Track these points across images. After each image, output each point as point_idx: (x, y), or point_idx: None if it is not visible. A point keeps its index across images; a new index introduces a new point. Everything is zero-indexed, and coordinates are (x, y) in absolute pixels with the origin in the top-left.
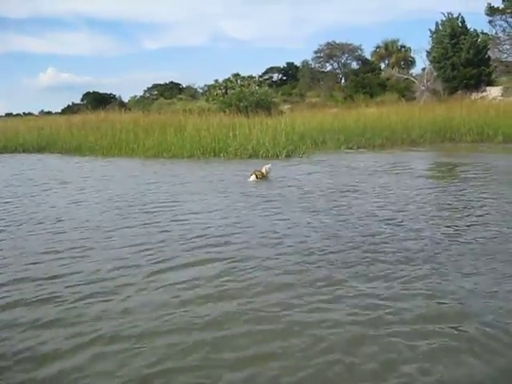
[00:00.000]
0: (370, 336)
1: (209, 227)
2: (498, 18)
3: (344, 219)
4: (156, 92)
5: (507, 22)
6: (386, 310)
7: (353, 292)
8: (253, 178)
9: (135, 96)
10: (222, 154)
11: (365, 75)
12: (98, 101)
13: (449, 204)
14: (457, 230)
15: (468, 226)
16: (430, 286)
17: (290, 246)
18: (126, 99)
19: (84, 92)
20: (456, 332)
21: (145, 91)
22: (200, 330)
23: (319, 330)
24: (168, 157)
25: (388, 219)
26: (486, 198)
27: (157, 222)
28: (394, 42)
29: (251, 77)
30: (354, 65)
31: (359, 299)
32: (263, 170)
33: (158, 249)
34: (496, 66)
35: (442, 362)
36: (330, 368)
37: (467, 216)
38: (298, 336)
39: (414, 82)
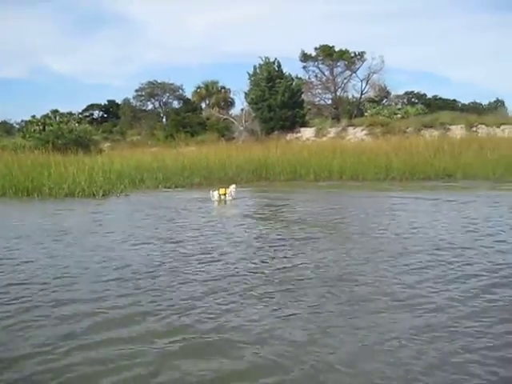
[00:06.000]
0: None
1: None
2: (310, 64)
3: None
4: None
5: (319, 68)
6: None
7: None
8: (216, 193)
9: None
10: (35, 194)
11: (186, 114)
12: None
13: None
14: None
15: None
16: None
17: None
18: None
19: None
20: None
21: None
22: None
23: None
24: None
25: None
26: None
27: None
28: (215, 83)
29: (71, 113)
30: (176, 104)
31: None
32: (228, 190)
33: None
34: (309, 109)
35: None
36: None
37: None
38: None
39: (233, 122)
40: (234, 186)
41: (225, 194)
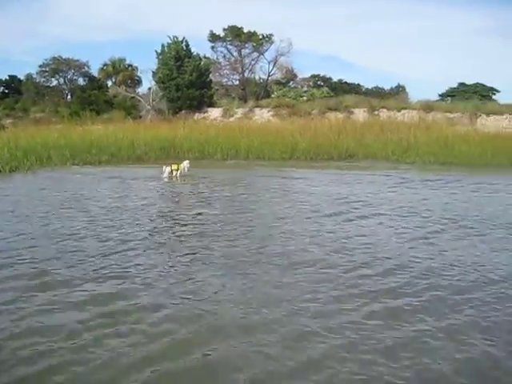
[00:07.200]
0: None
1: None
2: (219, 44)
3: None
4: None
5: (227, 48)
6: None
7: None
8: (168, 169)
9: None
10: None
11: (92, 92)
12: None
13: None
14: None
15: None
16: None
17: None
18: None
19: None
20: None
21: None
22: None
23: None
24: None
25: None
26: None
27: None
28: (121, 60)
29: None
30: (81, 81)
31: None
32: (181, 166)
33: None
34: (217, 89)
35: None
36: None
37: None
38: None
39: (140, 101)
40: (187, 161)
41: (177, 170)
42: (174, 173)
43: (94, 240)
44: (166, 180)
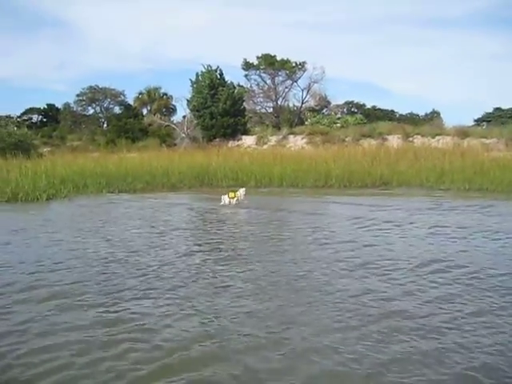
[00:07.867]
0: None
1: None
2: (252, 72)
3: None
4: None
5: (261, 76)
6: None
7: None
8: (226, 197)
9: None
10: None
11: (127, 120)
12: None
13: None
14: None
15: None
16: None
17: None
18: None
19: None
20: None
21: None
22: None
23: None
24: None
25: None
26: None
27: None
28: (157, 89)
29: (9, 117)
30: (117, 109)
31: None
32: (238, 193)
33: None
34: (251, 117)
35: None
36: None
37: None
38: None
39: (175, 129)
40: (243, 189)
41: (234, 197)
42: (232, 200)
43: (129, 264)
44: (223, 205)
